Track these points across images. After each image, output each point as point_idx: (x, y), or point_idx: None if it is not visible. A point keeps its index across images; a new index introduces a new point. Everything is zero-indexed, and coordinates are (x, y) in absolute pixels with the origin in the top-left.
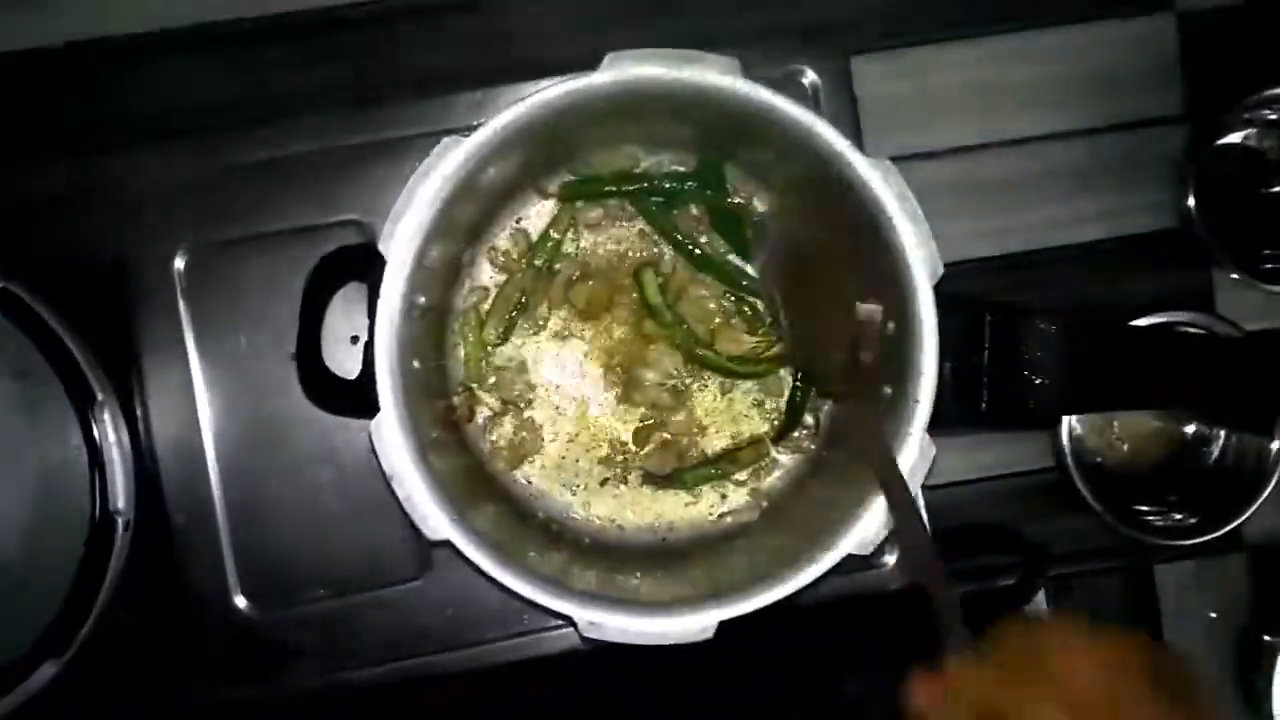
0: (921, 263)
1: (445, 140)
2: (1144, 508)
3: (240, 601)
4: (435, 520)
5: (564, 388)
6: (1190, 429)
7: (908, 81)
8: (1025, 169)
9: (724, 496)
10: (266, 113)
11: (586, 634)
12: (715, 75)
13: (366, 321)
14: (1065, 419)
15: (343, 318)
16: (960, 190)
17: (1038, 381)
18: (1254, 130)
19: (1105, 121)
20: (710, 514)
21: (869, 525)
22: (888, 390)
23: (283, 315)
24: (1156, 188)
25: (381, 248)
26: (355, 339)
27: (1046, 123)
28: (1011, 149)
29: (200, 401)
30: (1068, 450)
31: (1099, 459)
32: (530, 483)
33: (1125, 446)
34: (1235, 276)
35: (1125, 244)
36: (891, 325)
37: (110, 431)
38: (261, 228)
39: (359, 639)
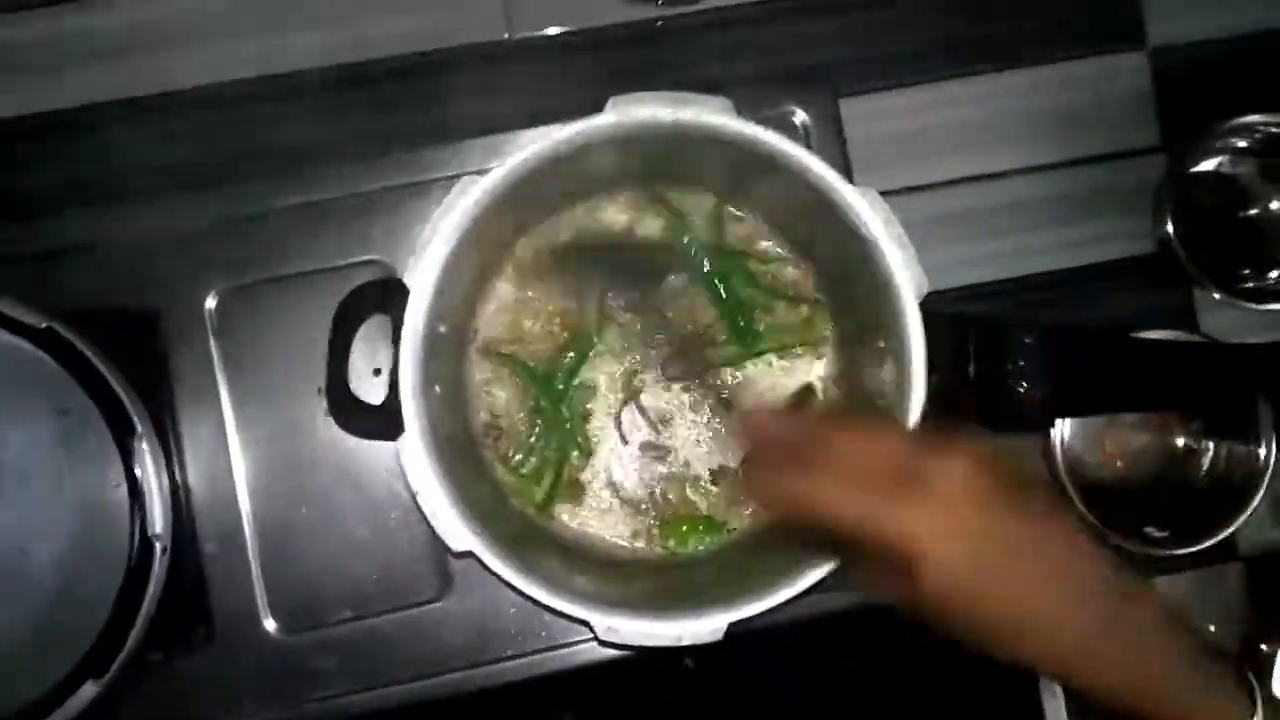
0: (908, 283)
1: (464, 179)
2: (1137, 521)
3: (270, 625)
4: (459, 532)
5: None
6: (1180, 441)
7: (893, 121)
8: (1007, 200)
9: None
10: (289, 163)
11: (605, 638)
12: (710, 114)
13: (388, 355)
14: (1057, 434)
15: (365, 355)
16: (945, 221)
17: (1023, 389)
18: (1227, 157)
19: (1083, 154)
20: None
21: None
22: (883, 402)
23: (309, 352)
24: (1133, 215)
25: (406, 279)
26: (378, 371)
27: (1026, 156)
28: (993, 182)
29: (231, 435)
30: (1061, 465)
31: (1091, 474)
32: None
33: (1118, 462)
34: (1217, 296)
35: (1106, 269)
36: (882, 343)
37: (149, 461)
38: (289, 269)
39: (384, 659)
